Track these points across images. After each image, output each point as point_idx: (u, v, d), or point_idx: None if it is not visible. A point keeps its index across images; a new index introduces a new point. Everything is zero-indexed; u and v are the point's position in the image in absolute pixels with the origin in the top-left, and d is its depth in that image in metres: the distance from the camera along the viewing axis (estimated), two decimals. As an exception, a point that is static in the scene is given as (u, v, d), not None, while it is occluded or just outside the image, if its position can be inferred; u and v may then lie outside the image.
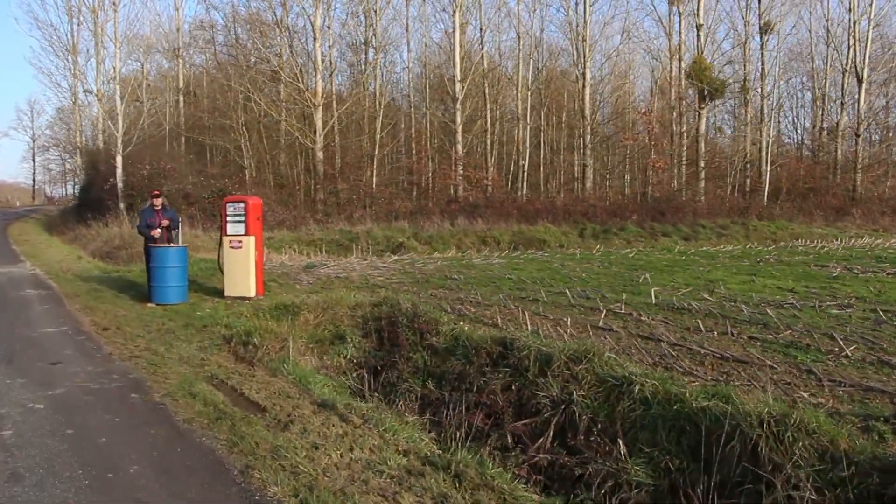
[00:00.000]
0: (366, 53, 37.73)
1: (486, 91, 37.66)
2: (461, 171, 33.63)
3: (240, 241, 12.65)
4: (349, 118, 34.20)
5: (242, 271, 12.63)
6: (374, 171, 32.40)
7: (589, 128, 36.30)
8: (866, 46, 40.25)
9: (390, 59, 41.67)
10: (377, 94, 37.63)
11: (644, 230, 29.11)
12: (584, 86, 36.13)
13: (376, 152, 32.40)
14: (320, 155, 30.95)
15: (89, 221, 28.57)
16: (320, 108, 30.83)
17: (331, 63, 32.91)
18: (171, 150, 33.38)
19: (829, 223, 33.88)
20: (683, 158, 38.50)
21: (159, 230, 13.03)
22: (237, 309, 11.68)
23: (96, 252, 24.13)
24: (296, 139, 31.88)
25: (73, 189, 76.24)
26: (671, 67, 41.20)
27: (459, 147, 34.20)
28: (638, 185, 39.76)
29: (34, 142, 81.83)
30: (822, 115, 46.71)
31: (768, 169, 40.18)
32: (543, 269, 17.19)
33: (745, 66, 40.47)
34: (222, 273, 13.21)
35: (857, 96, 41.53)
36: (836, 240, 28.94)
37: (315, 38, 31.14)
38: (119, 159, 29.34)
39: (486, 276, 15.80)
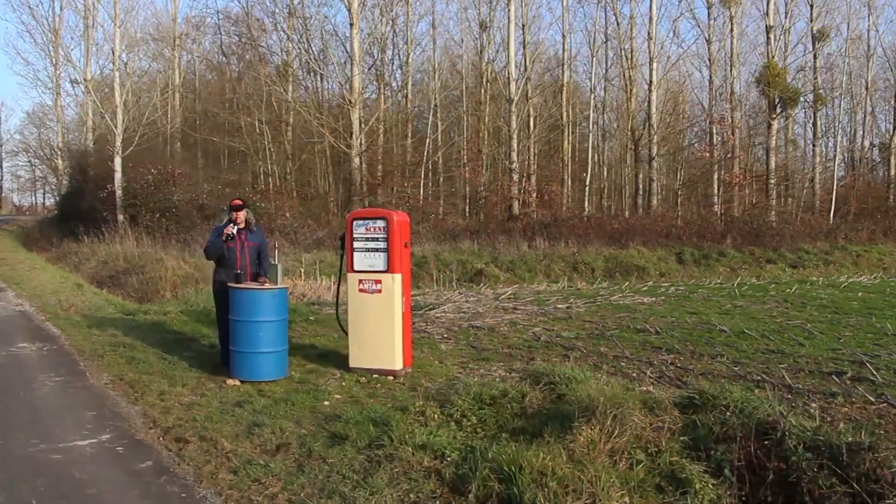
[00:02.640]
0: (385, 51, 33.04)
1: (529, 95, 33.29)
2: (516, 182, 29.15)
3: (378, 282, 7.87)
4: (387, 122, 29.50)
5: (382, 330, 7.85)
6: (422, 182, 27.66)
7: (655, 137, 31.96)
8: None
9: (418, 58, 37.01)
10: (408, 95, 33.17)
11: (744, 255, 24.78)
12: (650, 90, 31.79)
13: (424, 159, 27.66)
14: (357, 161, 26.20)
15: (80, 236, 23.62)
16: (357, 106, 26.12)
17: (357, 55, 27.99)
18: (175, 152, 28.37)
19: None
20: (749, 174, 34.43)
21: (234, 228, 8.23)
22: (400, 399, 6.92)
23: (95, 276, 19.21)
24: (323, 142, 27.08)
25: (44, 198, 70.53)
26: (711, 76, 37.10)
27: (515, 156, 29.69)
28: (698, 201, 35.38)
29: (1, 146, 75.40)
30: (863, 130, 43.07)
31: (835, 187, 36.25)
32: (728, 313, 12.61)
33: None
34: (344, 331, 8.45)
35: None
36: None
37: (352, 24, 26.40)
38: (118, 161, 24.38)
39: (686, 324, 11.13)
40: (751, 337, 10.13)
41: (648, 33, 31.48)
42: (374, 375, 7.83)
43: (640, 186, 31.91)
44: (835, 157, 38.44)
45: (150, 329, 10.86)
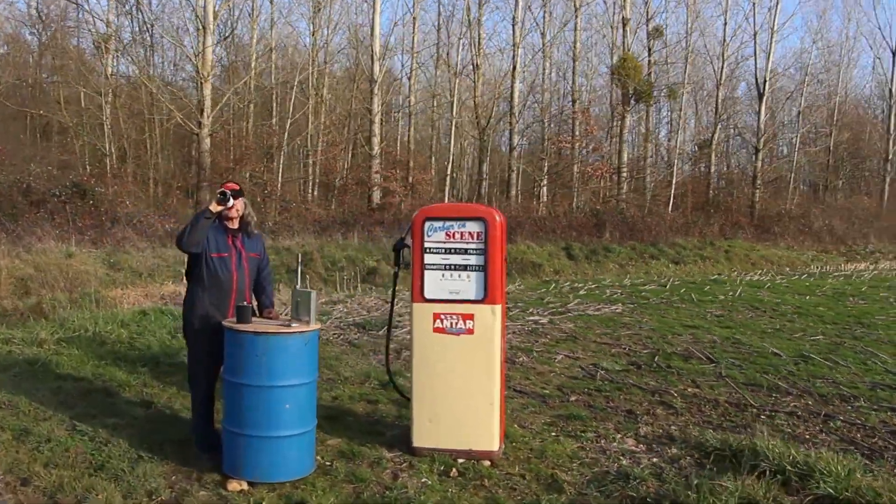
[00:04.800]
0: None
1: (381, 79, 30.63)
2: (380, 170, 26.54)
3: (468, 318, 5.13)
4: (238, 102, 25.66)
5: (474, 392, 5.13)
6: (281, 167, 24.22)
7: (517, 127, 30.62)
8: (768, 59, 38.18)
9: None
10: (252, 73, 29.30)
11: (628, 250, 23.90)
12: (513, 77, 30.33)
13: (283, 142, 24.20)
14: (208, 142, 22.35)
15: None
16: (210, 81, 22.26)
17: (211, 24, 23.71)
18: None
19: (772, 243, 30.69)
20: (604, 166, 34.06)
21: (228, 199, 5.00)
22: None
23: None
24: (169, 119, 22.95)
25: None
26: (545, 66, 36.64)
27: (376, 141, 26.99)
28: (556, 193, 34.50)
29: None
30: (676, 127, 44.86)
31: (674, 181, 37.06)
32: (729, 327, 10.94)
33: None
34: (401, 394, 5.69)
35: (757, 110, 39.69)
36: (821, 264, 25.58)
37: (204, -15, 22.41)
38: None
39: (723, 346, 9.20)
40: (821, 362, 8.38)
41: (514, 17, 29.95)
42: (460, 461, 5.11)
43: (509, 179, 30.49)
44: (680, 152, 39.33)
45: (28, 371, 7.25)
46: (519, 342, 9.31)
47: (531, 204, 29.97)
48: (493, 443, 5.15)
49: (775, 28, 37.83)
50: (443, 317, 5.15)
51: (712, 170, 40.37)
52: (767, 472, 4.62)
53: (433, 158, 34.97)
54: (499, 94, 33.25)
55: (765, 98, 38.39)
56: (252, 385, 4.71)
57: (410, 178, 27.25)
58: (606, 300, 13.59)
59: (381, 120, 28.19)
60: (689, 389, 7.14)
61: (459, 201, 30.66)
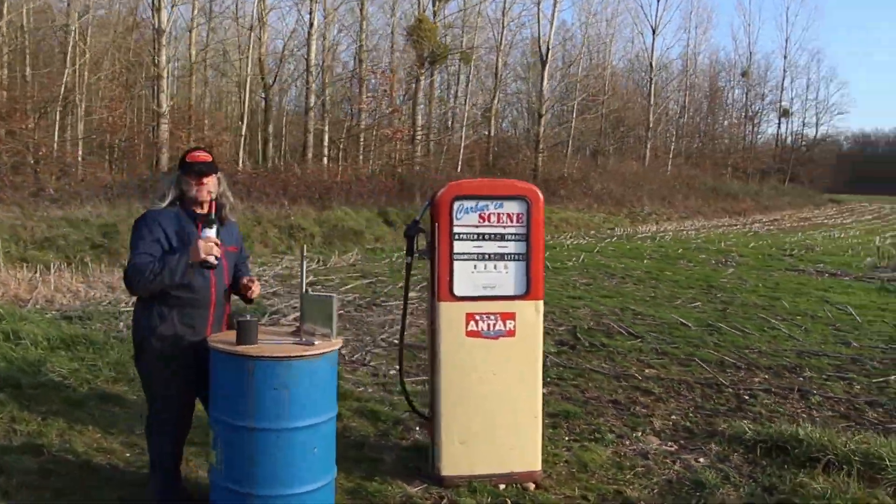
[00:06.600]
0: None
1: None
2: (169, 130, 23.96)
3: (508, 317, 4.25)
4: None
5: (513, 406, 4.30)
6: (58, 126, 20.88)
7: (314, 86, 29.09)
8: (551, 27, 39.73)
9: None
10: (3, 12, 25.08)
11: (441, 216, 23.61)
12: (309, 35, 28.75)
13: (61, 95, 20.84)
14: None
15: None
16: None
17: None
18: None
19: (562, 206, 32.02)
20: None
21: (213, 235, 3.70)
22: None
23: None
24: None
25: None
26: (326, 27, 35.62)
27: (164, 98, 24.26)
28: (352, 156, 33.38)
29: None
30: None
31: (462, 145, 37.64)
32: (610, 296, 10.88)
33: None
34: (418, 413, 4.68)
35: (538, 77, 41.22)
36: (612, 226, 27.20)
37: None
38: None
39: (634, 319, 8.98)
40: (730, 332, 8.43)
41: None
42: (501, 486, 4.27)
43: (306, 141, 28.98)
44: (470, 119, 39.77)
45: None
46: (423, 324, 8.50)
47: (329, 167, 28.70)
48: (537, 461, 4.37)
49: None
50: (478, 317, 4.24)
51: (492, 133, 41.54)
52: (834, 464, 4.37)
53: (206, 119, 32.41)
54: (290, 52, 31.51)
55: (547, 65, 39.95)
56: (269, 428, 3.50)
57: (193, 140, 24.82)
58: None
59: (169, 75, 25.40)
60: (647, 370, 6.79)
61: (258, 165, 28.58)
